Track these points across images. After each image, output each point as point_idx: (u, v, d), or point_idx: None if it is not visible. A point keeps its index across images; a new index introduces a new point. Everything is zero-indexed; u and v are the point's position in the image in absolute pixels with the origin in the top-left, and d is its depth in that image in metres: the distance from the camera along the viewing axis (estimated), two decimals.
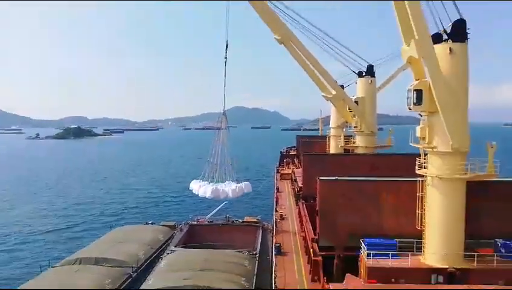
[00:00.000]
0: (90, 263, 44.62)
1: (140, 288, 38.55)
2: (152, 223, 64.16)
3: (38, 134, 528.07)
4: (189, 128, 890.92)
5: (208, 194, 52.74)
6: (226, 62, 51.73)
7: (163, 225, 62.34)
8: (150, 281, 39.44)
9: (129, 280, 42.47)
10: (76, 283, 38.78)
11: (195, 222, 61.82)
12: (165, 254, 47.53)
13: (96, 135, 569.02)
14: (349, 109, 66.43)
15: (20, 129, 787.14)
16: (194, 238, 56.87)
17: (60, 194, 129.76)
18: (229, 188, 53.20)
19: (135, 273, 43.82)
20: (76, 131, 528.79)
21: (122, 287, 40.66)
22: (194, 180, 55.80)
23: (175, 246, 49.94)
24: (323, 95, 67.41)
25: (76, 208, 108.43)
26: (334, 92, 62.70)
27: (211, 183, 53.28)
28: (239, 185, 54.18)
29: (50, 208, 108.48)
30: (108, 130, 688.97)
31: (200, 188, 53.64)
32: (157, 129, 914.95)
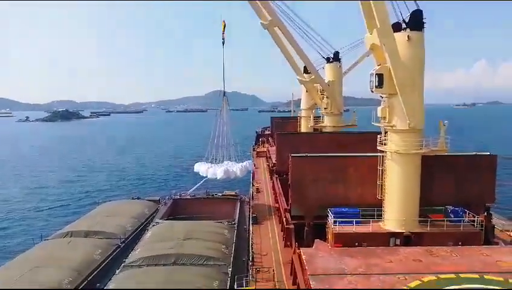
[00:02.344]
0: (80, 235, 44.09)
1: (128, 257, 38.40)
2: (138, 198, 63.52)
3: (27, 117, 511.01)
4: (172, 111, 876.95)
5: (220, 175, 50.71)
6: (223, 43, 49.64)
7: (148, 200, 61.80)
8: (137, 250, 39.33)
9: (118, 250, 42.22)
10: (68, 254, 38.34)
11: (178, 197, 61.59)
12: (150, 226, 47.29)
13: (83, 117, 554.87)
14: (321, 92, 66.68)
15: (10, 113, 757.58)
16: (177, 211, 56.72)
17: (49, 172, 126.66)
18: (237, 167, 51.74)
19: (123, 244, 43.56)
20: (65, 114, 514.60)
21: (111, 257, 40.43)
22: (199, 163, 53.85)
23: (160, 219, 49.75)
24: (298, 79, 67.39)
25: (64, 186, 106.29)
26: (312, 76, 62.62)
27: (219, 164, 51.65)
28: (244, 163, 53.22)
29: (40, 186, 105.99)
30: (95, 112, 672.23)
31: (209, 169, 51.55)
32: (142, 112, 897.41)
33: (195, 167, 54.23)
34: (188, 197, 62.28)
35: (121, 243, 43.61)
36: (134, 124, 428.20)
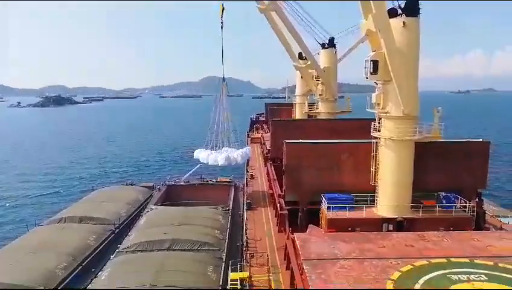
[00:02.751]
0: (74, 221, 44.02)
1: (123, 242, 38.56)
2: (132, 185, 63.38)
3: (19, 102, 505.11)
4: (165, 97, 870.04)
5: (221, 162, 49.93)
6: (222, 27, 48.57)
7: (142, 186, 61.71)
8: (132, 236, 39.43)
9: (112, 236, 42.30)
10: (63, 239, 38.36)
11: (172, 183, 61.56)
12: (145, 212, 47.27)
13: (76, 102, 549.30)
14: (316, 78, 66.41)
15: (1, 98, 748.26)
16: (171, 197, 56.71)
17: (42, 158, 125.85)
18: (237, 153, 51.25)
19: (117, 230, 43.61)
20: (57, 99, 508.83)
21: (105, 243, 40.55)
22: (199, 149, 53.10)
23: (154, 205, 49.77)
24: (294, 65, 66.99)
25: (57, 172, 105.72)
26: (308, 62, 62.24)
27: (219, 151, 51.06)
28: (243, 150, 52.86)
29: (33, 172, 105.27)
30: (88, 98, 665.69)
31: (210, 156, 50.84)
32: (136, 97, 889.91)
33: (194, 153, 53.62)
34: (182, 183, 62.23)
35: (115, 228, 43.68)
36: (127, 109, 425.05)
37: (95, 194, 56.39)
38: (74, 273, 33.68)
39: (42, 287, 29.58)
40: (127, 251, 35.91)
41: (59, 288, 31.17)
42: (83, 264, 35.37)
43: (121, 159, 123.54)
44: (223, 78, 51.57)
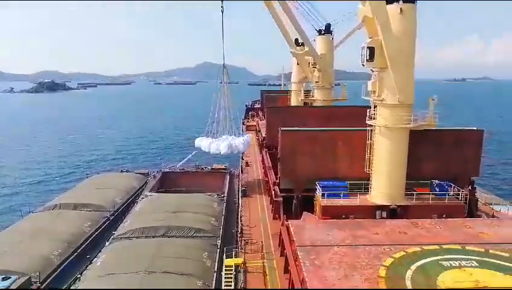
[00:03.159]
0: (69, 208, 43.96)
1: (118, 229, 38.65)
2: (126, 171, 63.30)
3: (12, 88, 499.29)
4: (160, 83, 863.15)
5: (224, 150, 49.21)
6: (223, 12, 47.34)
7: (137, 173, 61.62)
8: (127, 223, 39.52)
9: (107, 223, 42.36)
10: (58, 226, 38.35)
11: (168, 170, 61.54)
12: (140, 199, 47.36)
13: (70, 88, 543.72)
14: (313, 65, 65.95)
15: None
16: (166, 184, 56.82)
17: (35, 145, 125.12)
18: (239, 141, 50.53)
19: (112, 217, 43.66)
20: (50, 85, 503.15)
21: (100, 229, 40.62)
22: (200, 138, 52.19)
23: (149, 192, 49.82)
24: (291, 51, 66.35)
25: (52, 158, 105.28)
26: (306, 49, 61.67)
27: (220, 139, 50.25)
28: (244, 137, 52.35)
29: (27, 159, 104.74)
30: (82, 84, 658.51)
31: (211, 144, 49.88)
32: (130, 83, 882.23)
33: (195, 142, 52.75)
34: (177, 170, 62.29)
35: (110, 215, 43.71)
36: (121, 96, 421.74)
37: (90, 180, 56.28)
38: (69, 259, 33.79)
39: (37, 274, 29.65)
40: (122, 238, 36.05)
41: (54, 274, 31.29)
42: (78, 251, 35.47)
43: (116, 146, 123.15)
44: (224, 66, 50.60)
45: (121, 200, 48.39)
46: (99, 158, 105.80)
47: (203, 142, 51.40)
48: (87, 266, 32.17)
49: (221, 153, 50.04)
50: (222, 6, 47.44)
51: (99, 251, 34.61)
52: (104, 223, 42.10)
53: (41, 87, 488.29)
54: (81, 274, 30.86)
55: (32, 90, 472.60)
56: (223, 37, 48.47)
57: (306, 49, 61.72)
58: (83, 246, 36.50)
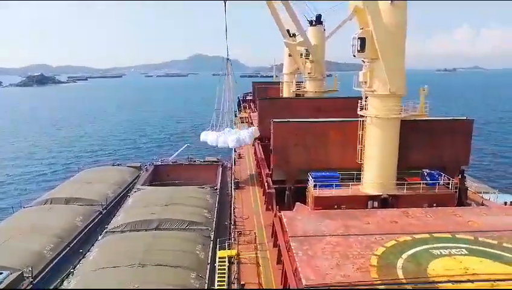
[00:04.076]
0: (60, 202, 43.72)
1: (110, 223, 38.53)
2: (118, 165, 62.92)
3: (1, 82, 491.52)
4: (151, 76, 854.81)
5: (232, 144, 48.34)
6: (225, 4, 46.31)
7: (129, 166, 61.28)
8: (119, 216, 39.42)
9: (99, 217, 42.24)
10: (50, 221, 38.13)
11: (160, 163, 61.29)
12: (132, 192, 47.16)
13: (60, 82, 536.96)
14: (305, 56, 65.71)
15: None
16: (159, 177, 56.61)
17: (26, 138, 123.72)
18: (245, 134, 49.59)
19: (105, 211, 43.54)
20: (40, 78, 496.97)
21: (93, 223, 40.48)
22: (205, 132, 51.18)
23: (141, 185, 49.63)
24: (285, 42, 66.00)
25: (43, 152, 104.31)
26: (301, 39, 61.25)
27: (227, 132, 49.43)
28: (250, 130, 51.62)
29: (18, 153, 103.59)
30: (72, 77, 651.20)
31: (218, 138, 48.77)
32: (121, 76, 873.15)
33: (201, 136, 51.72)
34: (170, 163, 62.06)
35: (102, 209, 43.57)
36: (112, 89, 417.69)
37: (81, 174, 55.88)
38: (62, 254, 33.70)
39: (30, 269, 29.52)
40: (114, 231, 35.98)
41: (47, 269, 31.17)
42: (71, 245, 35.38)
43: (107, 139, 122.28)
44: (227, 58, 49.95)
45: (113, 193, 48.21)
46: (91, 152, 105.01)
47: (209, 136, 50.33)
48: (80, 261, 32.12)
49: (230, 146, 49.42)
50: None
51: (92, 245, 34.54)
52: (97, 217, 41.97)
53: (31, 81, 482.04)
54: (74, 269, 30.81)
55: (22, 84, 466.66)
56: (226, 29, 48.18)
57: (301, 39, 61.38)
58: (76, 240, 36.40)
